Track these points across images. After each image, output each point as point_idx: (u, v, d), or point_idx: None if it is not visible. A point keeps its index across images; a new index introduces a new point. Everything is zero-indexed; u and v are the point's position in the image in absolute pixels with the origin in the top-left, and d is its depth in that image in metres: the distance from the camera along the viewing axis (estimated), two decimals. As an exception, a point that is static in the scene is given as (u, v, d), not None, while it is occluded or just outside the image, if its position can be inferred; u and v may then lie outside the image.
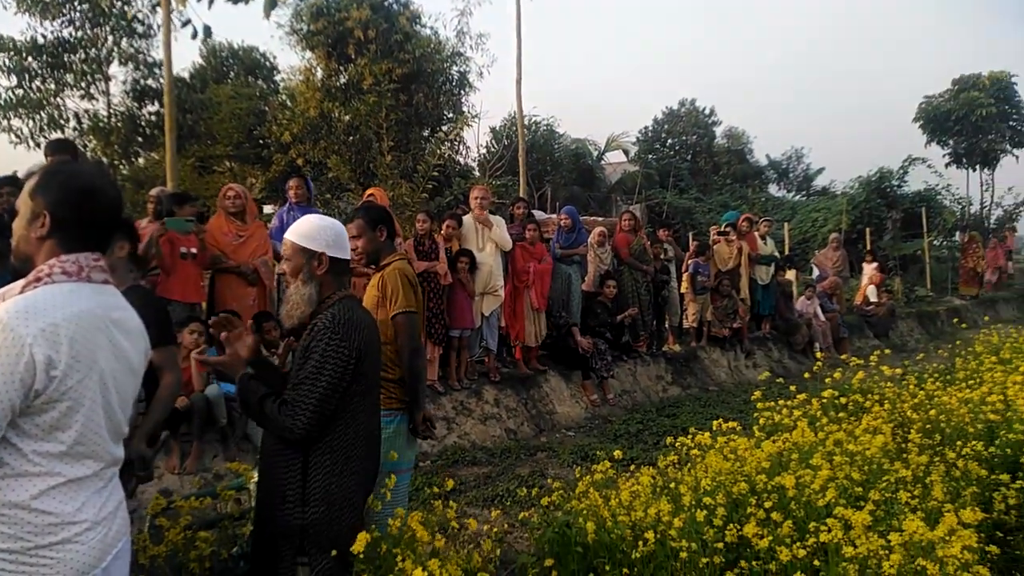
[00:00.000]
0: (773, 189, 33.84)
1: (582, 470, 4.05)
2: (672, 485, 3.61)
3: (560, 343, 8.22)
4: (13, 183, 4.59)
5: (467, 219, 7.42)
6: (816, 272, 13.78)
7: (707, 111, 35.22)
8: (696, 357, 9.92)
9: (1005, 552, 3.93)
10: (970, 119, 20.77)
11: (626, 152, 26.19)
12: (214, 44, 20.99)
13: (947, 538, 2.71)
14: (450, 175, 15.09)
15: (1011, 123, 21.50)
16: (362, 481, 2.64)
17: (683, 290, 10.08)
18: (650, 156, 32.31)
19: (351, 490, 2.54)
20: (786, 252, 14.73)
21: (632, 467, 4.48)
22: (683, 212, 23.65)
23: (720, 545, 3.14)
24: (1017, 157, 21.79)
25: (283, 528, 2.40)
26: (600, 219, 12.47)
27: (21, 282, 1.63)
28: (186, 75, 17.46)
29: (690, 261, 10.05)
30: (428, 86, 16.16)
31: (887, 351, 7.52)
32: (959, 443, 4.87)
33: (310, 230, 2.57)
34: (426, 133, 16.10)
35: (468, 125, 16.15)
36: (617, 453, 4.47)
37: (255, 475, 2.93)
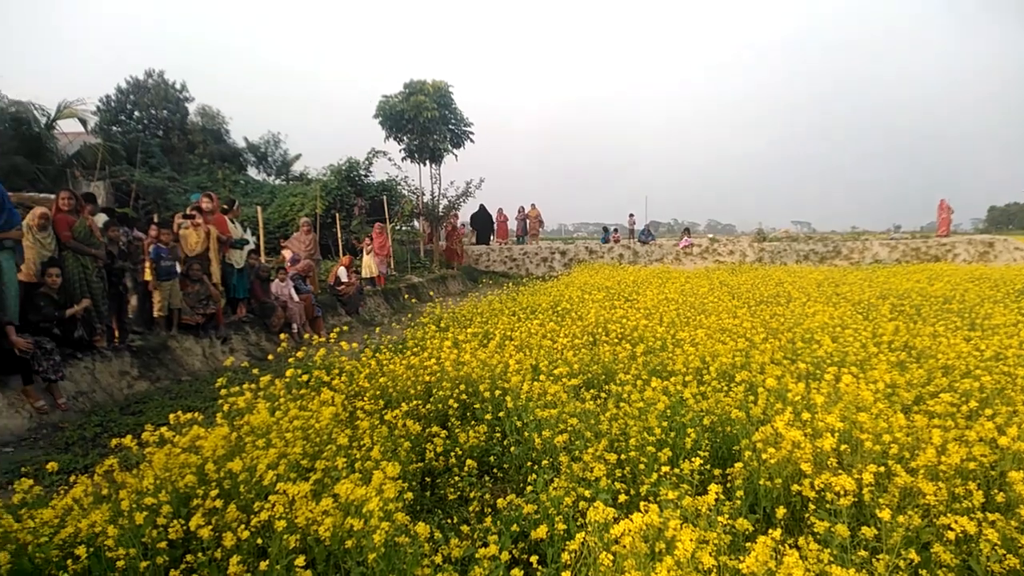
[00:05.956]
0: (253, 172, 33.88)
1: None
2: (106, 491, 3.34)
3: (-10, 346, 6.88)
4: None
5: None
6: (291, 255, 14.21)
7: (178, 86, 33.40)
8: (167, 347, 9.32)
9: (435, 493, 4.65)
10: (419, 120, 23.38)
11: (84, 122, 23.10)
12: None
13: (370, 495, 3.05)
14: None
15: (450, 126, 24.82)
16: None
17: (147, 277, 9.38)
18: (115, 128, 29.32)
19: None
20: (261, 235, 14.84)
21: (73, 478, 3.99)
22: (156, 192, 22.04)
23: (163, 544, 3.01)
24: (456, 156, 25.36)
25: None
26: (51, 197, 10.77)
27: None
28: None
29: (151, 246, 9.38)
30: None
31: (345, 328, 8.15)
32: (403, 404, 5.58)
33: None
34: None
35: None
36: (52, 465, 3.94)
37: None
